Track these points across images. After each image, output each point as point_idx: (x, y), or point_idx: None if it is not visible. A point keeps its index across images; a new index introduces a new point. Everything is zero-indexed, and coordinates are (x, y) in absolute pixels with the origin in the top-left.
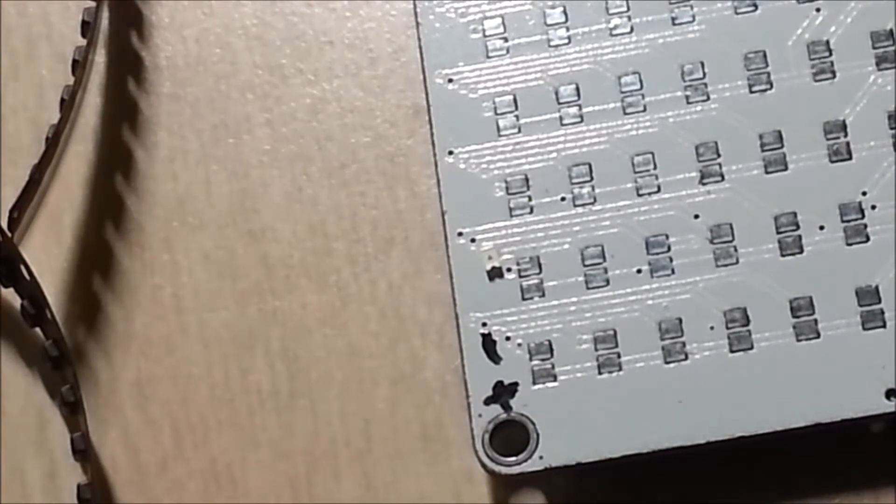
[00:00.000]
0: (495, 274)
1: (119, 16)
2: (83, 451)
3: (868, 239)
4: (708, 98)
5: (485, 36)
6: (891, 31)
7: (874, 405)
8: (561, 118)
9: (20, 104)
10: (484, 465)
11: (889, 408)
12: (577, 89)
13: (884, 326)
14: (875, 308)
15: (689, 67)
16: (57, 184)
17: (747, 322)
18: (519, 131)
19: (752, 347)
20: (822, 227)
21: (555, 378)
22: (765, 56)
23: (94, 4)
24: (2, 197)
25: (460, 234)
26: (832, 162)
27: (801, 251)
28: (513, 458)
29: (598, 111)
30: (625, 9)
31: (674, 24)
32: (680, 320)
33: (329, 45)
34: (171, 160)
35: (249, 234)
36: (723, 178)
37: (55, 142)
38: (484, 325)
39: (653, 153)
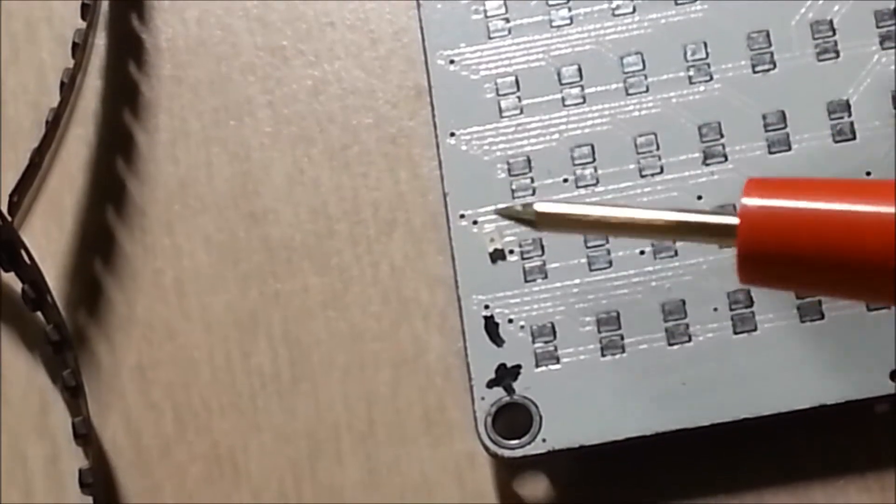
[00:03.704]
0: (497, 256)
1: None
2: (85, 436)
3: None
4: (711, 78)
5: (486, 17)
6: (894, 9)
7: (879, 387)
8: (563, 99)
9: (20, 88)
10: (487, 448)
11: (893, 389)
12: (580, 70)
13: (888, 308)
14: None
15: (692, 48)
16: (57, 167)
17: (751, 304)
18: (521, 112)
19: (755, 329)
20: None
21: (558, 360)
22: (768, 36)
23: None
24: (2, 181)
25: (462, 216)
26: (836, 142)
27: None
28: (515, 441)
29: (601, 92)
30: None
31: (676, 4)
32: (683, 302)
33: (330, 26)
34: (172, 143)
35: (251, 217)
36: (726, 159)
37: (55, 125)
38: (486, 307)
39: (655, 134)
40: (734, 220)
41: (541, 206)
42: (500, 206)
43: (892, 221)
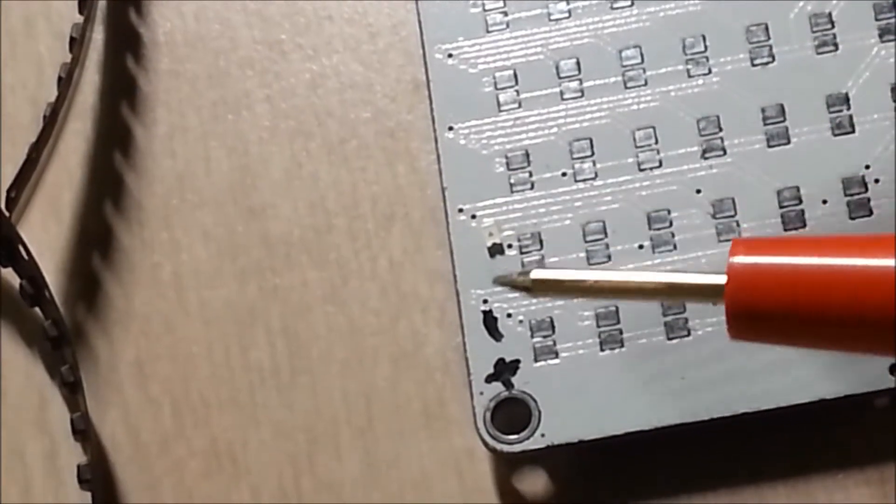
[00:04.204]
0: (496, 250)
1: None
2: (83, 432)
3: (871, 213)
4: (709, 72)
5: (484, 10)
6: (893, 2)
7: (878, 381)
8: (561, 93)
9: (19, 83)
10: (485, 443)
11: (893, 383)
12: (578, 63)
13: None
14: None
15: (691, 41)
16: (55, 162)
17: None
18: (519, 106)
19: None
20: (824, 202)
21: (556, 355)
22: (766, 29)
23: None
24: (0, 176)
25: (461, 210)
26: (835, 135)
27: (804, 225)
28: (514, 436)
29: (599, 85)
30: None
31: None
32: None
33: (328, 19)
34: (170, 137)
35: (249, 212)
36: (725, 153)
37: (53, 120)
38: (485, 301)
39: (654, 127)
40: (722, 280)
41: (537, 274)
42: (498, 274)
43: (873, 275)
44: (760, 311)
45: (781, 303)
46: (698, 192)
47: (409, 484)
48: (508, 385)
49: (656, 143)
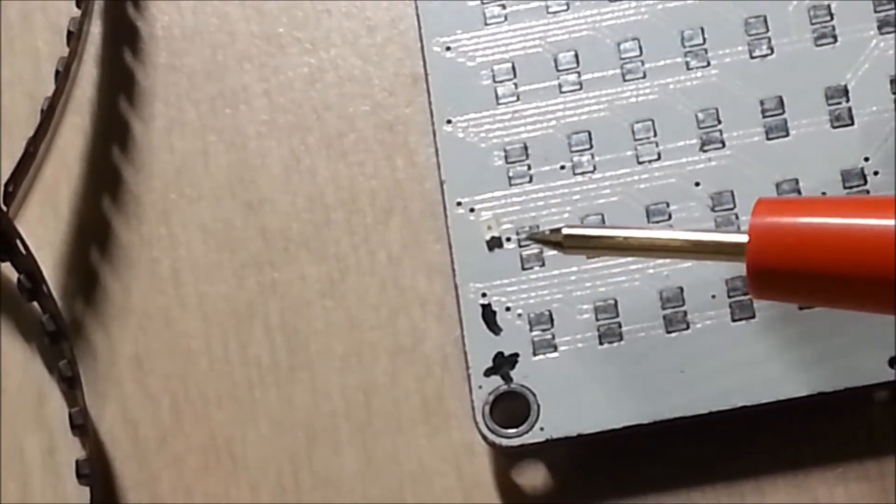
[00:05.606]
0: (495, 244)
1: None
2: (82, 426)
3: None
4: (708, 64)
5: (482, 3)
6: None
7: (877, 374)
8: (560, 85)
9: (16, 77)
10: (485, 437)
11: (892, 376)
12: (576, 56)
13: None
14: None
15: (689, 33)
16: (53, 156)
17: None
18: (517, 99)
19: (754, 316)
20: (823, 194)
21: (555, 349)
22: (765, 21)
23: None
24: None
25: (459, 203)
26: (834, 128)
27: None
28: (513, 430)
29: (598, 78)
30: None
31: None
32: (681, 289)
33: (326, 13)
34: (168, 131)
35: (248, 206)
36: (724, 145)
37: (50, 114)
38: (484, 295)
39: (653, 120)
40: (744, 238)
41: (568, 230)
42: (531, 231)
43: (892, 235)
44: (780, 269)
45: (801, 261)
46: (697, 184)
47: (408, 479)
48: (507, 379)
49: (655, 135)
